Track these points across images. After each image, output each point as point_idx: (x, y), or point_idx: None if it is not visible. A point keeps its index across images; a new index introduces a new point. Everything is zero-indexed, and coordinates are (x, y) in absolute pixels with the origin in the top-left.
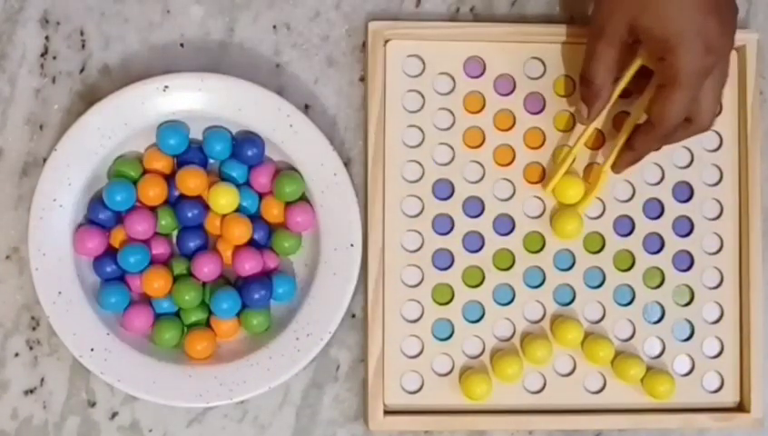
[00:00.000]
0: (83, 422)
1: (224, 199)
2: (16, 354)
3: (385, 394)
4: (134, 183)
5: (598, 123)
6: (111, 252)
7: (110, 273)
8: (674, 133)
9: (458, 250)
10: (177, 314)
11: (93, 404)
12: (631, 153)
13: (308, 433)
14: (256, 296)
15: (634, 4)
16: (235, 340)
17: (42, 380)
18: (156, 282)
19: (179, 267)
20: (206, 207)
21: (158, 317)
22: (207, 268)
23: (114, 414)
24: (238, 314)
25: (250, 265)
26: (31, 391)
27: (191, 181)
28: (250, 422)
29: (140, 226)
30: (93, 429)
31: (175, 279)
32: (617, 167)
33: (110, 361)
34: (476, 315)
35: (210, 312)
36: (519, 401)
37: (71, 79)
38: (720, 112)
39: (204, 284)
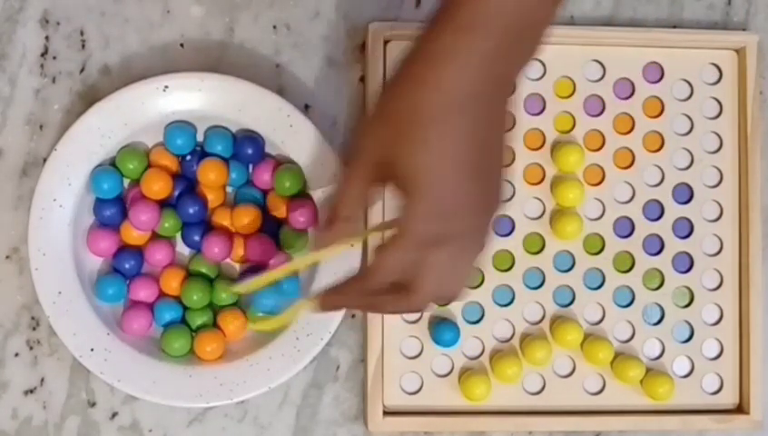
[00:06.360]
0: (83, 422)
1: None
2: (16, 354)
3: (384, 395)
4: (138, 177)
5: (602, 126)
6: (128, 249)
7: (129, 270)
8: (383, 298)
9: None
10: (183, 322)
11: (93, 404)
12: (338, 297)
13: (308, 433)
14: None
15: (390, 130)
16: (238, 339)
17: (42, 380)
18: (174, 281)
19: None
20: (206, 204)
21: (166, 326)
22: (218, 248)
23: (114, 414)
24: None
25: (262, 250)
26: (31, 391)
27: (211, 172)
28: (250, 422)
29: (144, 216)
30: (93, 429)
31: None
32: (323, 306)
33: (110, 361)
34: (475, 316)
35: (215, 314)
36: (519, 402)
37: (71, 79)
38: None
39: (212, 282)
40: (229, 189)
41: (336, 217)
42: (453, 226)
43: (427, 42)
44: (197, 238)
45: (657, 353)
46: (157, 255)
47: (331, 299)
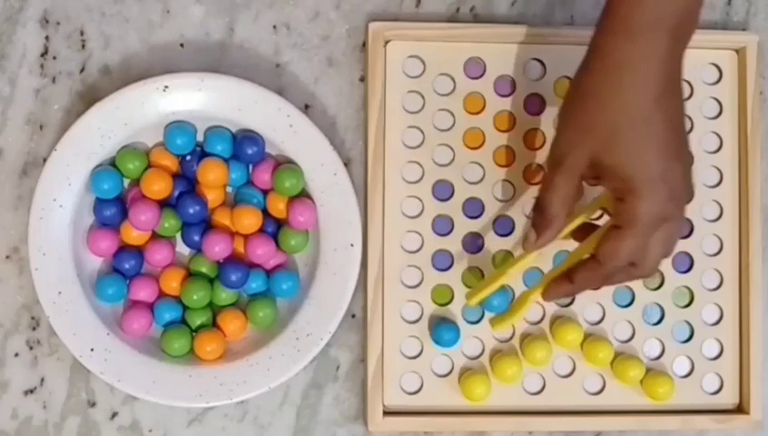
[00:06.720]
0: (83, 422)
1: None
2: (16, 354)
3: (384, 395)
4: (138, 177)
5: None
6: (128, 249)
7: (129, 270)
8: (617, 275)
9: (458, 251)
10: (183, 322)
11: (93, 404)
12: (568, 286)
13: (308, 433)
14: (233, 278)
15: (598, 139)
16: (238, 339)
17: (42, 380)
18: (174, 281)
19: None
20: (206, 204)
21: (166, 326)
22: (218, 247)
23: (114, 414)
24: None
25: (262, 250)
26: (31, 391)
27: (211, 172)
28: (250, 422)
29: (143, 216)
30: (93, 429)
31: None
32: (550, 296)
33: (110, 361)
34: (475, 316)
35: (215, 314)
36: (519, 402)
37: (71, 79)
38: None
39: (212, 282)
40: (229, 189)
41: (550, 219)
42: (676, 205)
43: (605, 52)
44: (197, 238)
45: (657, 353)
46: (157, 255)
47: (561, 289)
